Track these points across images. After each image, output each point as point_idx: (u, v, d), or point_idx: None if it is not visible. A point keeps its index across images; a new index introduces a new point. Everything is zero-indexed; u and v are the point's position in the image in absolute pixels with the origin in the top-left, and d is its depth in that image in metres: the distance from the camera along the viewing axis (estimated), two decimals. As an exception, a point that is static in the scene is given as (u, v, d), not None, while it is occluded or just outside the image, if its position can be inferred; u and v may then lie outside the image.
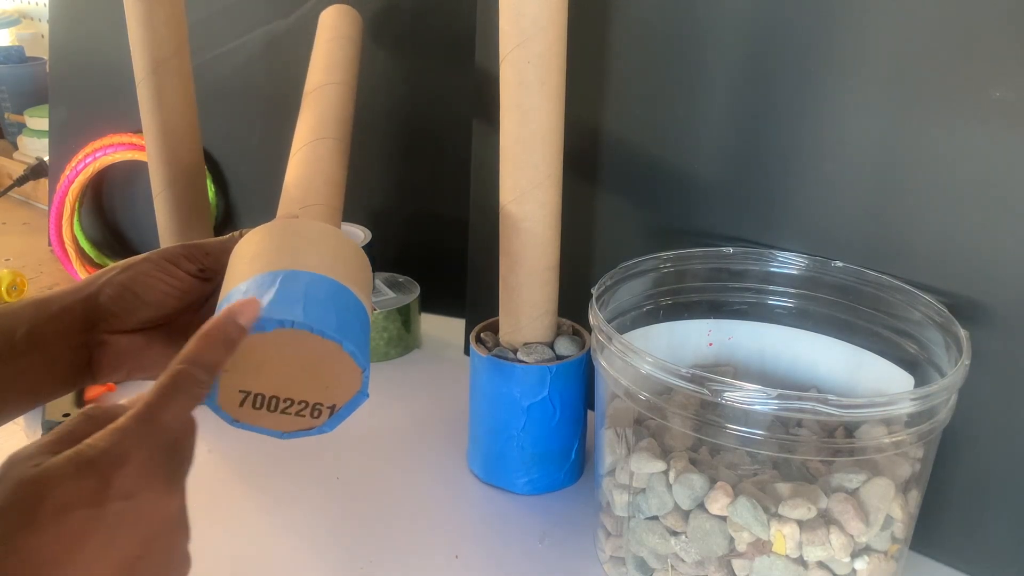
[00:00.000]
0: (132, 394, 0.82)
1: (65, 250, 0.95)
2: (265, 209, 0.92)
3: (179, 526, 0.36)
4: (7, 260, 1.04)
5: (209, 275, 0.47)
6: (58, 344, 0.43)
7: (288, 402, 0.42)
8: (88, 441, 0.33)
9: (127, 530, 0.32)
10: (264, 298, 0.40)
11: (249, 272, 0.42)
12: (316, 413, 0.42)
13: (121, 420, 0.34)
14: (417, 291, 0.85)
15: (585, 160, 0.68)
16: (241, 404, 0.41)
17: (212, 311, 0.47)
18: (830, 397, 0.42)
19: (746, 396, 0.43)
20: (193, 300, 0.47)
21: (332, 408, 0.42)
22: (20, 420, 0.71)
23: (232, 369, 0.40)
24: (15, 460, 0.33)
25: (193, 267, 0.46)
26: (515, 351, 0.61)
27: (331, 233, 0.46)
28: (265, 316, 0.39)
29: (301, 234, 0.45)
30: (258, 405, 0.41)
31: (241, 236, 0.46)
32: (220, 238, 0.47)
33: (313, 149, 0.58)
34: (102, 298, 0.44)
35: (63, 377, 0.43)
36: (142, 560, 0.33)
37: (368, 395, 0.42)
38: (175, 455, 0.35)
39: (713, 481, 0.47)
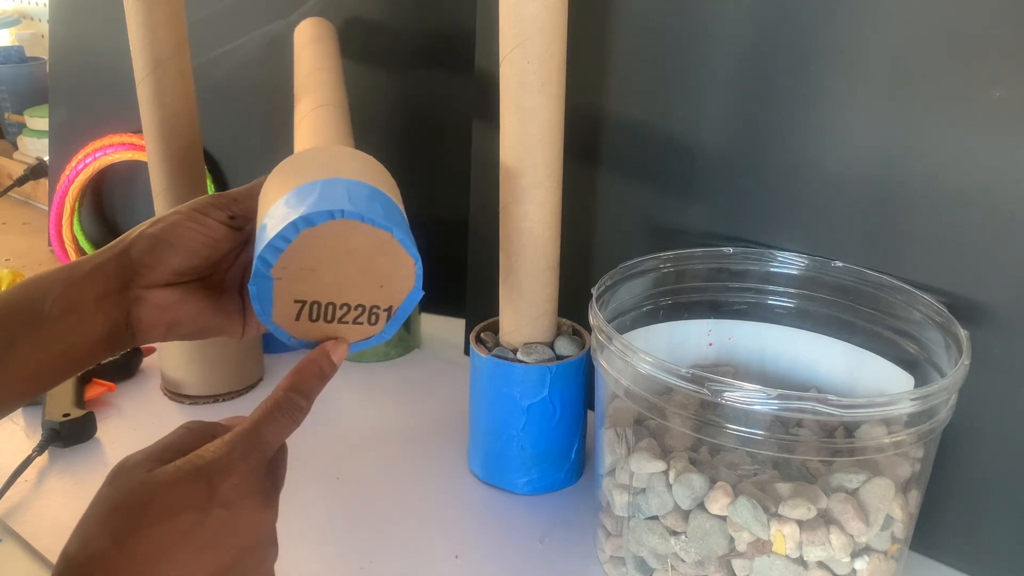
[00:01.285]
0: (133, 393, 0.82)
1: (65, 250, 0.95)
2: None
3: (270, 542, 0.39)
4: (7, 260, 1.04)
5: (240, 223, 0.47)
6: (94, 304, 0.43)
7: (345, 308, 0.41)
8: (198, 451, 0.36)
9: (225, 538, 0.35)
10: (309, 199, 0.39)
11: (285, 190, 0.41)
12: (374, 318, 0.42)
13: (229, 435, 0.37)
14: (417, 291, 0.85)
15: (585, 160, 0.68)
16: (297, 317, 0.41)
17: (248, 262, 0.47)
18: (830, 397, 0.42)
19: (746, 396, 0.43)
20: (226, 250, 0.47)
21: (389, 311, 0.42)
22: (20, 420, 0.71)
23: (286, 276, 0.39)
24: (124, 466, 0.36)
25: (223, 215, 0.45)
26: (515, 351, 0.61)
27: (357, 154, 0.45)
28: (312, 211, 0.38)
29: (328, 153, 0.45)
30: (315, 316, 0.41)
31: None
32: (246, 186, 0.47)
33: (319, 114, 0.58)
34: (135, 252, 0.44)
35: (101, 338, 0.43)
36: (233, 570, 0.36)
37: (423, 291, 0.42)
38: (272, 473, 0.39)
39: (713, 481, 0.47)
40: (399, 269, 0.41)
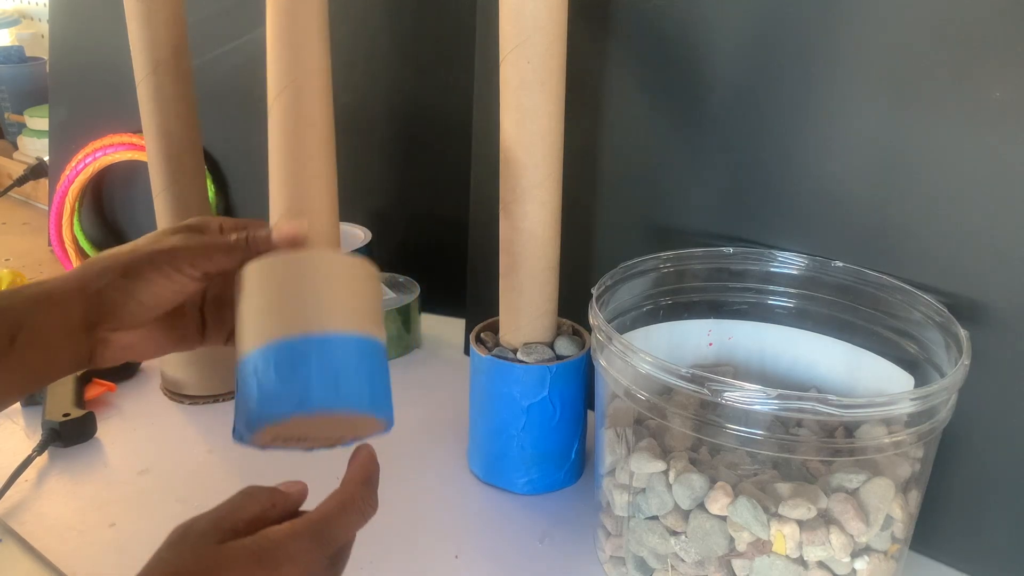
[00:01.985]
0: (133, 393, 0.81)
1: (65, 250, 0.95)
2: (265, 210, 0.92)
3: None
4: (7, 260, 1.04)
5: (212, 276, 0.47)
6: (59, 340, 0.43)
7: (315, 439, 0.44)
8: (267, 532, 0.38)
9: None
10: (297, 380, 0.41)
11: (263, 333, 0.42)
12: (340, 441, 0.46)
13: (300, 524, 0.39)
14: (417, 291, 0.85)
15: (585, 160, 0.68)
16: (270, 443, 0.43)
17: (217, 303, 0.49)
18: (830, 397, 0.42)
19: (746, 396, 0.43)
20: (194, 295, 0.48)
21: (356, 438, 0.45)
22: (20, 420, 0.71)
23: (267, 437, 0.42)
24: (190, 532, 0.38)
25: (197, 272, 0.46)
26: (515, 351, 0.61)
27: (343, 270, 0.45)
28: (303, 407, 0.40)
29: (310, 278, 0.44)
30: (285, 442, 0.44)
31: (248, 244, 0.46)
32: (225, 240, 0.46)
33: (295, 131, 0.51)
34: (104, 300, 0.44)
35: (63, 366, 0.44)
36: None
37: (392, 426, 0.45)
38: (334, 565, 0.41)
39: (713, 481, 0.47)
40: (375, 426, 0.44)
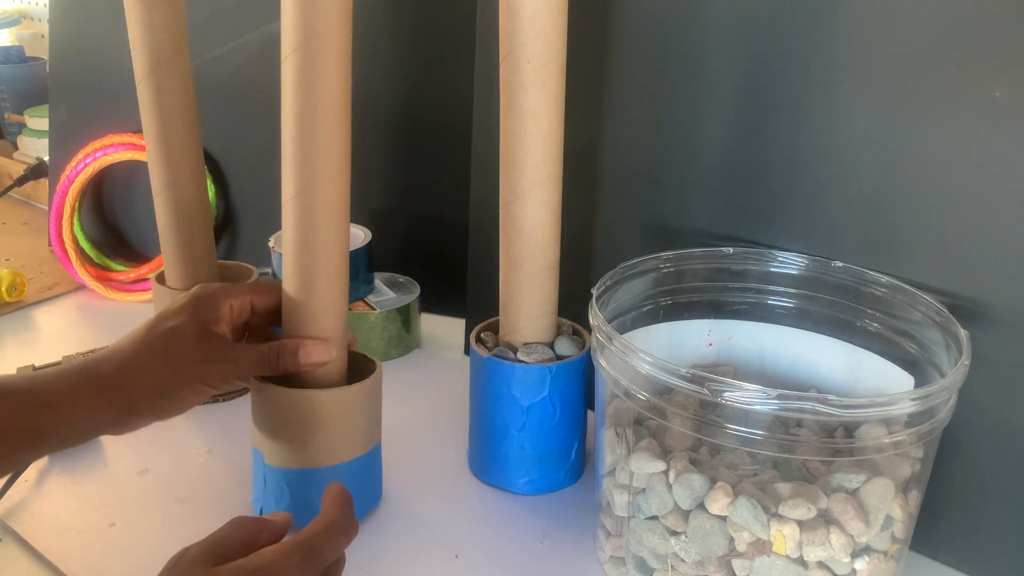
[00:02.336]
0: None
1: (65, 250, 0.95)
2: (265, 210, 0.92)
3: None
4: (7, 260, 1.04)
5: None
6: (83, 437, 0.50)
7: None
8: (258, 553, 0.40)
9: None
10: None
11: (290, 460, 0.57)
12: None
13: (288, 544, 0.41)
14: (417, 291, 0.85)
15: (585, 160, 0.68)
16: None
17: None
18: (830, 397, 0.42)
19: (746, 396, 0.43)
20: None
21: None
22: (20, 420, 0.71)
23: None
24: (181, 558, 0.41)
25: (225, 389, 0.54)
26: (515, 351, 0.61)
27: (352, 402, 0.57)
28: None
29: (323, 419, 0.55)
30: None
31: (277, 366, 0.54)
32: (257, 363, 0.54)
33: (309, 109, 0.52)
34: (138, 410, 0.51)
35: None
36: None
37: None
38: None
39: (713, 481, 0.47)
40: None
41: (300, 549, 0.41)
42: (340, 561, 0.45)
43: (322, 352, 0.54)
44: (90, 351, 0.77)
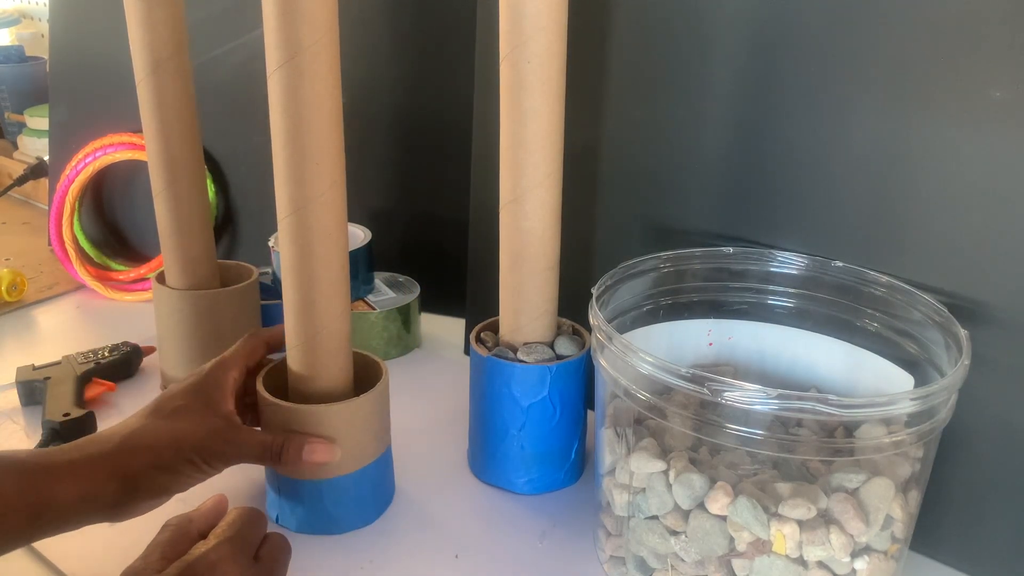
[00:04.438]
0: (133, 393, 0.81)
1: (65, 250, 0.95)
2: (265, 210, 0.92)
3: None
4: (7, 260, 1.04)
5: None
6: (83, 519, 0.50)
7: None
8: (191, 552, 0.45)
9: None
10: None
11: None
12: None
13: (212, 537, 0.47)
14: (417, 291, 0.85)
15: (585, 160, 0.68)
16: None
17: None
18: (830, 397, 0.42)
19: (746, 396, 0.43)
20: None
21: None
22: (20, 420, 0.71)
23: None
24: (131, 573, 0.45)
25: (226, 468, 0.55)
26: (515, 351, 0.61)
27: (359, 412, 0.57)
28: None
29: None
30: None
31: (280, 460, 0.55)
32: (260, 453, 0.55)
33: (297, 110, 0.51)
34: (137, 487, 0.51)
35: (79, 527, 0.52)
36: None
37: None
38: (264, 561, 0.48)
39: (713, 481, 0.47)
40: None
41: (224, 537, 0.46)
42: (278, 547, 0.49)
43: (326, 453, 0.55)
44: (90, 351, 0.77)
